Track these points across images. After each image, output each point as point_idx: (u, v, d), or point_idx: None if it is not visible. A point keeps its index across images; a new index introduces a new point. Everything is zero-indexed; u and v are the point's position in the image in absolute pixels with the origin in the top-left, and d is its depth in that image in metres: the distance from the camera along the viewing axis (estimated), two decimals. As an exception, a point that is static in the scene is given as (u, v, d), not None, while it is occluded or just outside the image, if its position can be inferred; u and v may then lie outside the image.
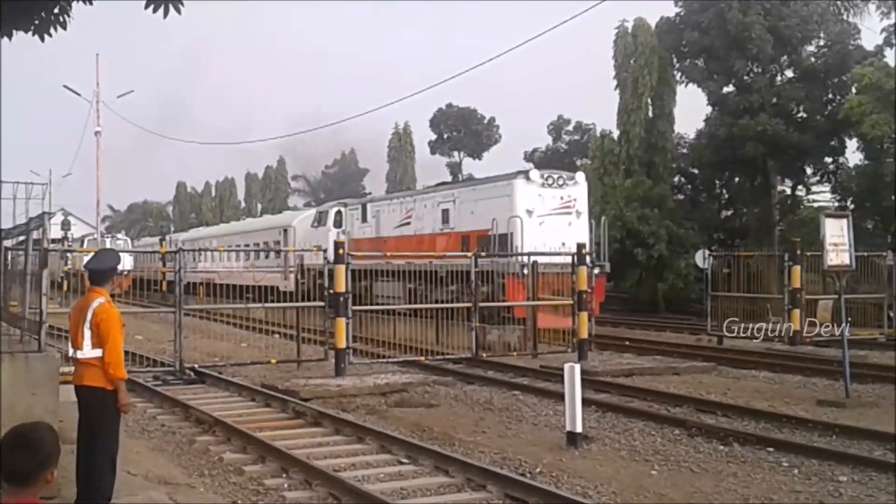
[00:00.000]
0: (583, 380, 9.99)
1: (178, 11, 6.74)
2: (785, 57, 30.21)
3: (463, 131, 55.14)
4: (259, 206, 71.81)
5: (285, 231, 32.50)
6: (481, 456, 8.81)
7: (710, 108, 31.41)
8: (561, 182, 20.05)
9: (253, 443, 9.09)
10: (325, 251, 19.09)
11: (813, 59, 29.96)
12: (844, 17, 29.96)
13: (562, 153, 43.75)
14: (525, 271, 17.78)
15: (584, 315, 15.85)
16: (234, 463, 8.53)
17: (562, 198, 19.84)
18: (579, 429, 9.17)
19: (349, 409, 11.50)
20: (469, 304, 16.34)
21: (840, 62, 28.54)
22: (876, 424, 9.65)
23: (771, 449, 8.86)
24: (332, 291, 14.60)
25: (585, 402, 10.37)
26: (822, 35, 29.85)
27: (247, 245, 35.01)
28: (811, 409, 10.80)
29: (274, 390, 12.35)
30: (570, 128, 46.29)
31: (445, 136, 55.66)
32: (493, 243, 18.87)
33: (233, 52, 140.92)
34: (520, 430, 10.27)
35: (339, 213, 27.43)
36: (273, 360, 15.46)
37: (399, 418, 10.95)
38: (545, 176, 20.06)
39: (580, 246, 16.54)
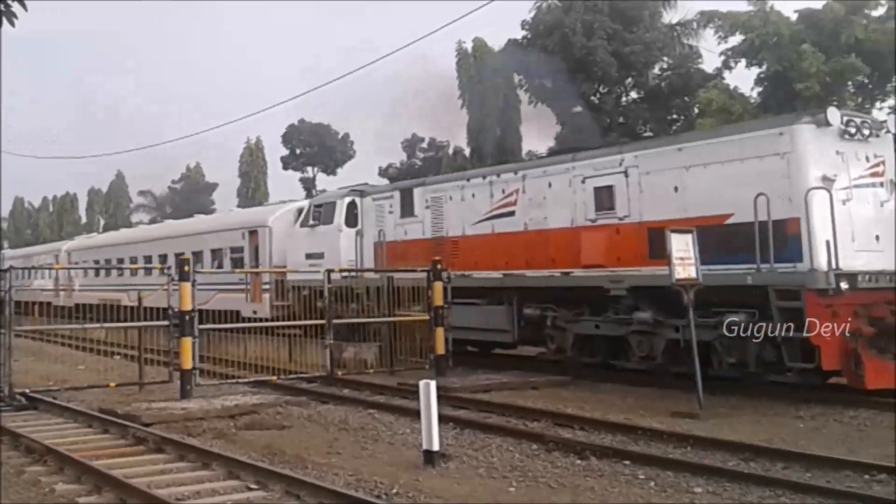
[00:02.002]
0: (441, 396, 9.76)
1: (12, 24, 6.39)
2: (630, 79, 31.35)
3: (316, 147, 54.52)
4: (101, 222, 68.73)
5: (252, 233, 23.78)
6: (335, 478, 8.41)
7: (560, 127, 32.19)
8: (867, 131, 12.65)
9: (88, 472, 8.42)
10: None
11: (657, 82, 31.22)
12: (685, 41, 31.33)
13: (416, 169, 43.92)
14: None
15: (441, 331, 15.69)
16: (67, 494, 7.91)
17: (868, 158, 12.65)
18: (436, 447, 8.90)
19: (195, 434, 10.85)
20: (323, 321, 15.84)
21: (683, 84, 29.92)
22: (730, 435, 9.80)
23: (627, 462, 8.85)
24: (176, 310, 13.88)
25: (443, 418, 10.13)
26: (665, 59, 31.19)
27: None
28: (666, 421, 10.91)
29: (113, 415, 11.57)
30: (425, 145, 46.54)
31: (298, 151, 54.88)
32: (749, 237, 12.02)
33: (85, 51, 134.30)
34: (376, 450, 9.91)
35: (353, 204, 20.27)
36: (112, 384, 14.49)
37: (249, 441, 10.40)
38: (847, 121, 12.54)
39: (436, 261, 16.29)
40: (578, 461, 9.02)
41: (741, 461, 8.75)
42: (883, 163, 12.75)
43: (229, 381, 15.18)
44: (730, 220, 12.59)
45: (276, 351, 17.81)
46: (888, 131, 13.40)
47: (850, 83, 24.81)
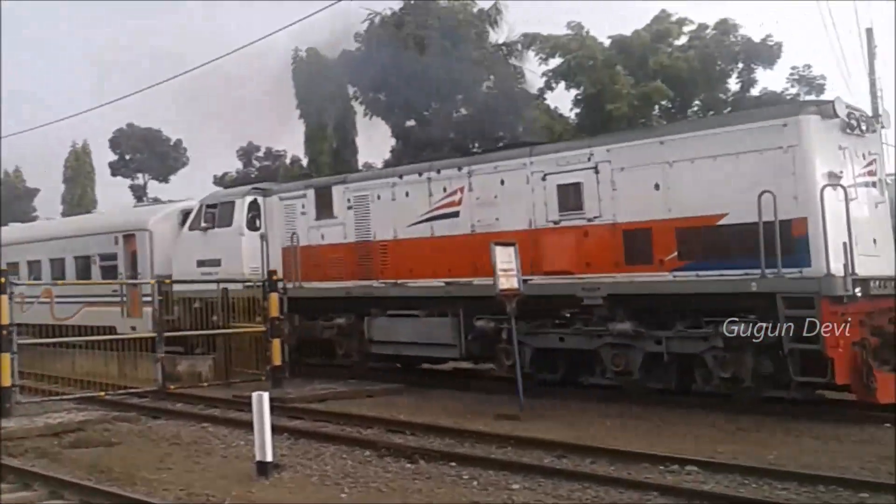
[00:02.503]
0: (276, 407, 9.98)
1: None
2: (461, 95, 32.29)
3: (147, 153, 52.71)
4: None
5: (129, 237, 21.04)
6: (166, 494, 8.46)
7: (394, 140, 32.72)
8: (864, 126, 11.96)
9: None
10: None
11: (485, 99, 32.36)
12: (510, 61, 32.52)
13: (252, 179, 43.33)
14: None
15: (277, 342, 15.66)
16: None
17: (864, 156, 11.96)
18: (269, 458, 9.10)
19: (16, 454, 10.51)
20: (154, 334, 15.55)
21: (508, 103, 31.12)
22: (546, 435, 10.52)
23: (454, 463, 9.36)
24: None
25: (278, 429, 10.37)
26: (492, 77, 32.32)
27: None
28: (491, 424, 11.56)
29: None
30: (261, 153, 46.00)
31: (128, 157, 52.91)
32: (747, 239, 11.20)
33: None
34: (209, 464, 9.98)
35: (255, 204, 18.29)
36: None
37: (74, 460, 10.20)
38: (849, 113, 11.70)
39: (271, 272, 16.29)
40: (408, 465, 9.46)
41: (555, 458, 9.47)
42: (875, 161, 12.09)
43: (53, 399, 14.61)
44: (723, 221, 11.61)
45: (105, 366, 17.29)
46: (883, 127, 13.02)
47: (656, 106, 26.65)
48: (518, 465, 9.17)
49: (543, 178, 13.67)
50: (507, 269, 12.77)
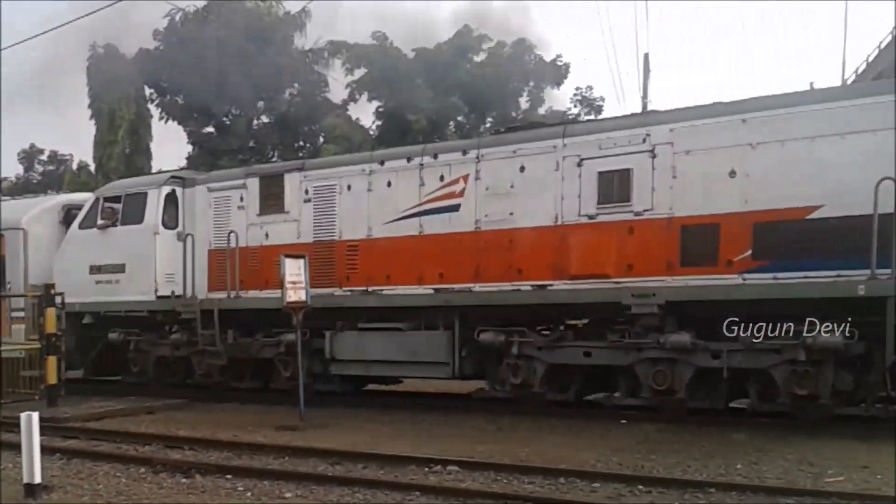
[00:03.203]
0: (50, 427, 9.78)
1: None
2: (262, 103, 31.97)
3: None
4: None
5: None
6: (-77, 523, 8.18)
7: (191, 147, 31.89)
8: None
9: None
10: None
11: (288, 107, 32.22)
12: (315, 69, 32.52)
13: (34, 184, 41.01)
14: None
15: (53, 360, 14.84)
16: None
17: None
18: (38, 479, 8.92)
19: None
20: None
21: (310, 112, 31.14)
22: (323, 443, 10.86)
23: (230, 476, 9.49)
24: None
25: (50, 450, 10.22)
26: (295, 84, 32.17)
27: None
28: (270, 435, 11.76)
29: None
30: (45, 157, 43.61)
31: None
32: (850, 236, 9.92)
33: None
34: (-27, 489, 9.66)
35: (172, 196, 15.72)
36: None
37: None
38: None
39: (48, 286, 14.93)
40: (184, 480, 9.49)
41: (329, 465, 9.88)
42: None
43: None
44: (815, 215, 10.11)
45: None
46: None
47: (451, 121, 27.69)
48: (293, 474, 9.43)
49: (579, 164, 11.77)
50: (295, 281, 12.84)
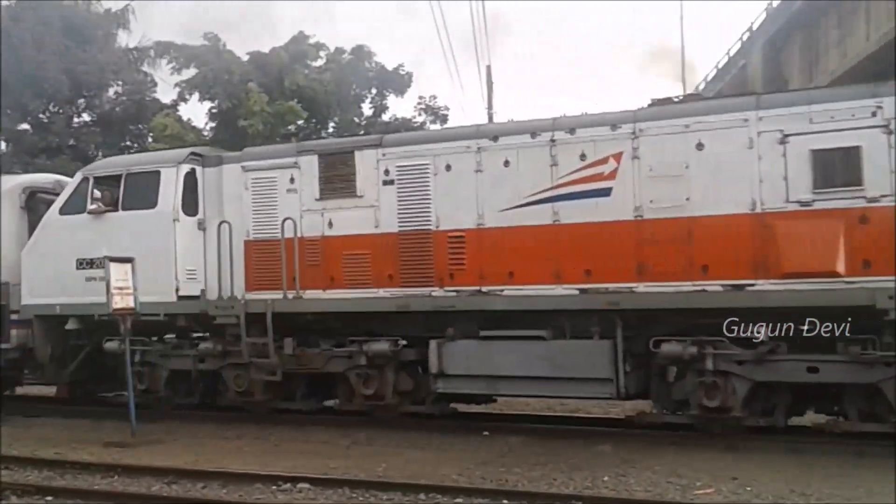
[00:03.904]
0: None
1: None
2: (83, 100, 30.18)
3: None
4: None
5: None
6: None
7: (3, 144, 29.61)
8: None
9: None
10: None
11: (112, 106, 30.49)
12: (141, 68, 31.01)
13: None
14: None
15: None
16: None
17: None
18: None
19: None
20: None
21: (137, 111, 29.62)
22: (158, 460, 10.01)
23: (51, 497, 8.58)
24: None
25: None
26: (120, 83, 30.58)
27: None
28: (97, 452, 10.77)
29: None
30: None
31: None
32: None
33: None
34: None
35: (190, 176, 12.88)
36: None
37: None
38: None
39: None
40: (-2, 504, 8.48)
41: (164, 485, 9.04)
42: None
43: None
44: None
45: None
46: None
47: (290, 125, 27.10)
48: (125, 494, 8.64)
49: (782, 141, 9.89)
50: (122, 286, 11.86)
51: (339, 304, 11.83)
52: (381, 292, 11.60)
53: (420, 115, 28.39)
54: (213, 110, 27.09)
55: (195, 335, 13.21)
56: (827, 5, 24.58)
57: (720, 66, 35.85)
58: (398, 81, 28.28)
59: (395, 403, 11.77)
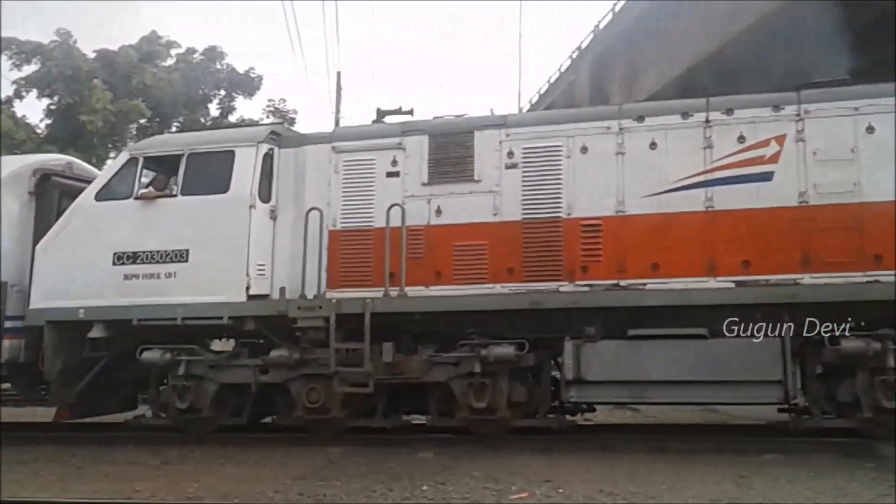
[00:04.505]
0: None
1: None
2: None
3: None
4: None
5: None
6: None
7: None
8: None
9: None
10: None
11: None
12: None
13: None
14: None
15: None
16: None
17: None
18: None
19: None
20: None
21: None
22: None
23: None
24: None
25: None
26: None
27: None
28: None
29: None
30: None
31: None
32: None
33: None
34: None
35: (267, 157, 11.12)
36: None
37: None
38: None
39: None
40: None
41: None
42: None
43: None
44: None
45: None
46: None
47: (133, 124, 26.76)
48: None
49: None
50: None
51: (451, 302, 10.33)
52: (499, 288, 10.22)
53: (268, 117, 28.76)
54: (52, 107, 26.34)
55: (243, 342, 11.29)
56: (644, 31, 26.59)
57: (552, 80, 37.58)
58: (248, 84, 28.52)
59: (508, 417, 10.28)
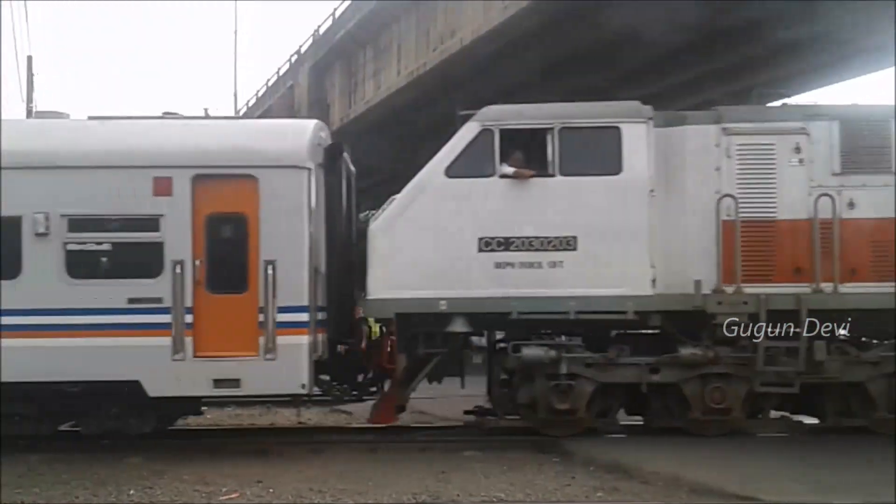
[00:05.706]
0: None
1: None
2: None
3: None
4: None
5: (227, 183, 9.67)
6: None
7: None
8: None
9: None
10: None
11: None
12: None
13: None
14: None
15: None
16: None
17: None
18: None
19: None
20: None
21: None
22: None
23: None
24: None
25: None
26: None
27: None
28: None
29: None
30: None
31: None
32: None
33: None
34: None
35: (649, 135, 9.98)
36: None
37: None
38: None
39: None
40: None
41: None
42: None
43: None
44: None
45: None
46: None
47: None
48: None
49: None
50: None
51: (876, 300, 9.84)
52: None
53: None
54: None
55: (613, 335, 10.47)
56: (365, 40, 26.55)
57: (270, 83, 37.04)
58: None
59: None
